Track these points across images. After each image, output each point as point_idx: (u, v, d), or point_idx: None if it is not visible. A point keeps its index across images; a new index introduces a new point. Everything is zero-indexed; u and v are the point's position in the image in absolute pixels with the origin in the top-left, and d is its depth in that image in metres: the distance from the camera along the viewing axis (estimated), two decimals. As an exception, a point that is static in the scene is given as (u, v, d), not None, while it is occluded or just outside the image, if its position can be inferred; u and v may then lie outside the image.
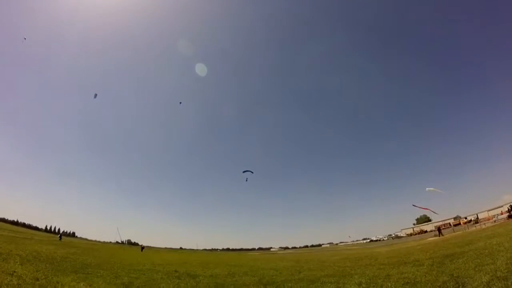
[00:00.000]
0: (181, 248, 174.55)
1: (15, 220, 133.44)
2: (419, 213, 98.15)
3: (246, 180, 43.75)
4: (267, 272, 15.94)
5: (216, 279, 12.97)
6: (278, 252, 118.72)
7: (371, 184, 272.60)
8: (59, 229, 62.12)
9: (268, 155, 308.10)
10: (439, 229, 43.99)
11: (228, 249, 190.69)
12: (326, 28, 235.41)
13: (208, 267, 20.99)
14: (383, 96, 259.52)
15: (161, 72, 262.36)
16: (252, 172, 43.79)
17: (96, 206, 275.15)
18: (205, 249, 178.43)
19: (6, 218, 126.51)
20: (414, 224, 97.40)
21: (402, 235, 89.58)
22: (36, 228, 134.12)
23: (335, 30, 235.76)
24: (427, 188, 43.99)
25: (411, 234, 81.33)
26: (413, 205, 51.27)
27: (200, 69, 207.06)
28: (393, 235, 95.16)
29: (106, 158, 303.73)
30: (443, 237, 35.82)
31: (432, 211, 47.43)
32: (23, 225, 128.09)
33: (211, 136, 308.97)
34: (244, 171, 43.33)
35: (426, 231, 73.08)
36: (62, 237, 58.43)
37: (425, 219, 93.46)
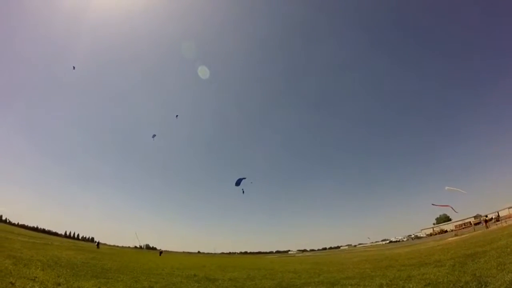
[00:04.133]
0: (199, 252, 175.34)
1: (35, 226, 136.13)
2: (439, 212, 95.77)
3: (243, 192, 35.35)
4: (286, 275, 15.85)
5: (235, 283, 12.93)
6: (296, 254, 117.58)
7: (389, 184, 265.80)
8: (97, 241, 62.58)
9: (284, 157, 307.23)
10: (486, 221, 42.30)
11: (245, 253, 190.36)
12: (335, 27, 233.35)
13: (226, 270, 21.00)
14: (401, 93, 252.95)
15: (171, 75, 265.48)
16: (246, 178, 35.09)
17: (114, 212, 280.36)
18: (223, 253, 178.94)
19: (26, 225, 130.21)
20: (434, 224, 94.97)
21: (422, 235, 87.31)
22: (55, 234, 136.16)
23: (346, 28, 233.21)
24: (446, 187, 42.72)
25: (431, 234, 79.32)
26: (433, 204, 49.86)
27: (203, 71, 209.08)
28: (413, 236, 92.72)
29: (124, 163, 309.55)
30: (487, 230, 34.24)
31: (452, 209, 45.92)
32: (43, 231, 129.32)
33: (226, 140, 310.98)
34: (237, 183, 34.03)
35: (446, 231, 71.12)
36: (100, 245, 58.96)
37: (445, 219, 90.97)
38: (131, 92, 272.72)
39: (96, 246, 55.48)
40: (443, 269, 10.60)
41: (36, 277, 9.14)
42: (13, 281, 7.81)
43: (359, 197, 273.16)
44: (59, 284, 8.61)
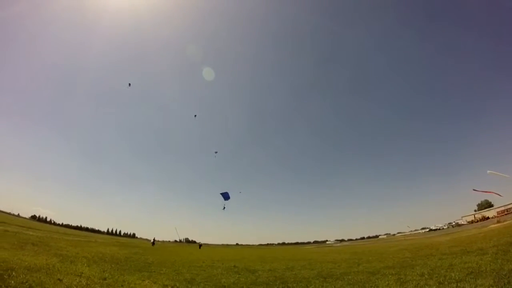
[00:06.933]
0: (237, 244, 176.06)
1: (79, 225, 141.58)
2: (480, 198, 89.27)
3: (224, 208, 34.20)
4: (325, 265, 15.85)
5: (275, 273, 13.05)
6: (334, 244, 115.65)
7: (429, 170, 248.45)
8: (153, 238, 64.54)
9: (319, 146, 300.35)
10: None
11: (283, 243, 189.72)
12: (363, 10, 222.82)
13: (266, 261, 21.23)
14: (437, 74, 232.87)
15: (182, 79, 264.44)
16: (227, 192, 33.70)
17: (154, 208, 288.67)
18: (261, 244, 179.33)
19: (70, 224, 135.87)
20: (475, 211, 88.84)
21: (462, 222, 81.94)
22: (98, 231, 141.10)
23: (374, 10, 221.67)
24: (488, 171, 39.66)
25: (472, 221, 74.26)
26: (474, 190, 46.38)
27: (208, 73, 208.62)
28: (453, 223, 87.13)
29: (161, 160, 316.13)
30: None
31: (497, 194, 42.46)
32: (86, 229, 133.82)
33: (260, 132, 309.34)
34: (225, 197, 33.15)
35: (488, 218, 66.25)
36: (155, 242, 60.49)
37: (487, 205, 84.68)
38: (170, 98, 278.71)
39: (151, 244, 57.22)
40: (486, 257, 10.21)
41: (82, 273, 9.51)
42: (61, 278, 8.11)
43: (397, 185, 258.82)
44: (104, 279, 9.04)
